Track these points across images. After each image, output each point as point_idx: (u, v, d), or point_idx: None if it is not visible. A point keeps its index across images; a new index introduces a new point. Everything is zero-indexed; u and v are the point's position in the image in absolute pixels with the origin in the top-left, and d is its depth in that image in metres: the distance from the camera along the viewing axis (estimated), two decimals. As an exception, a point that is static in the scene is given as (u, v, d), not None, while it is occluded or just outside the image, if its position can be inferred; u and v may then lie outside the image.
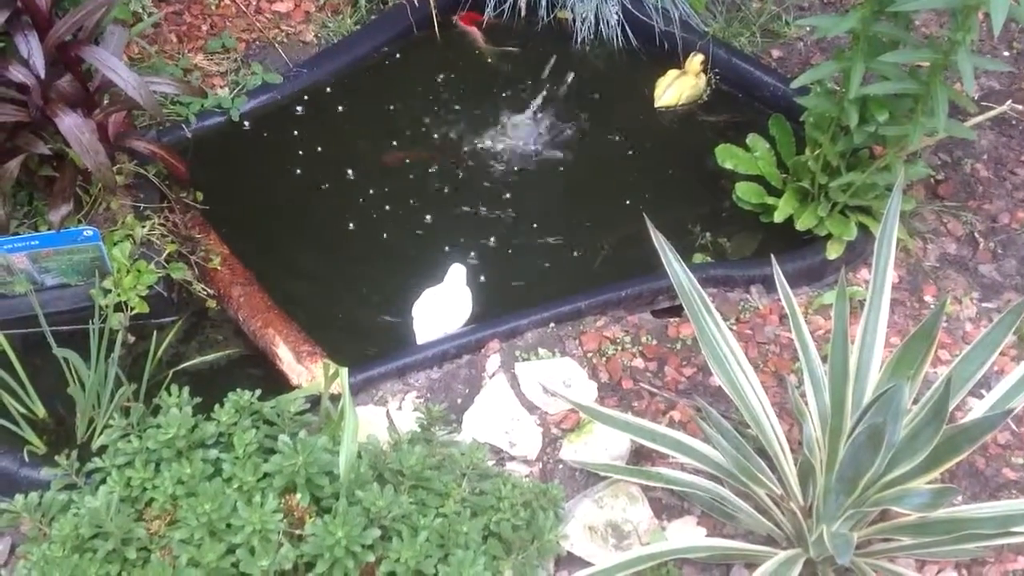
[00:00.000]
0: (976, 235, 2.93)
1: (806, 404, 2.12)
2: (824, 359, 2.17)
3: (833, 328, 2.12)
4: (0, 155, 2.43)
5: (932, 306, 2.73)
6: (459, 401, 2.46)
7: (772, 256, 2.33)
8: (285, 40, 3.42)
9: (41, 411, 2.38)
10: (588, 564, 2.12)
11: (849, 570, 2.06)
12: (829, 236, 2.80)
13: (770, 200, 2.89)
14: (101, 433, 2.26)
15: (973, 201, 3.03)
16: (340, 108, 3.30)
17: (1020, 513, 2.02)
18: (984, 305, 2.74)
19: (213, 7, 3.46)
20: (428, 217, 3.00)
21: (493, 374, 2.51)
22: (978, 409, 2.20)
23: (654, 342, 2.62)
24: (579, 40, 3.51)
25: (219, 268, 2.72)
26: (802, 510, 2.11)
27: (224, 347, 2.63)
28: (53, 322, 2.43)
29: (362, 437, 2.16)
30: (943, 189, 3.05)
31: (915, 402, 2.09)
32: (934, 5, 2.30)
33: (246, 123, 3.18)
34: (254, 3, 3.50)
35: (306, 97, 3.30)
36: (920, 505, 1.90)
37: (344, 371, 2.15)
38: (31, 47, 2.31)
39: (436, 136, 3.24)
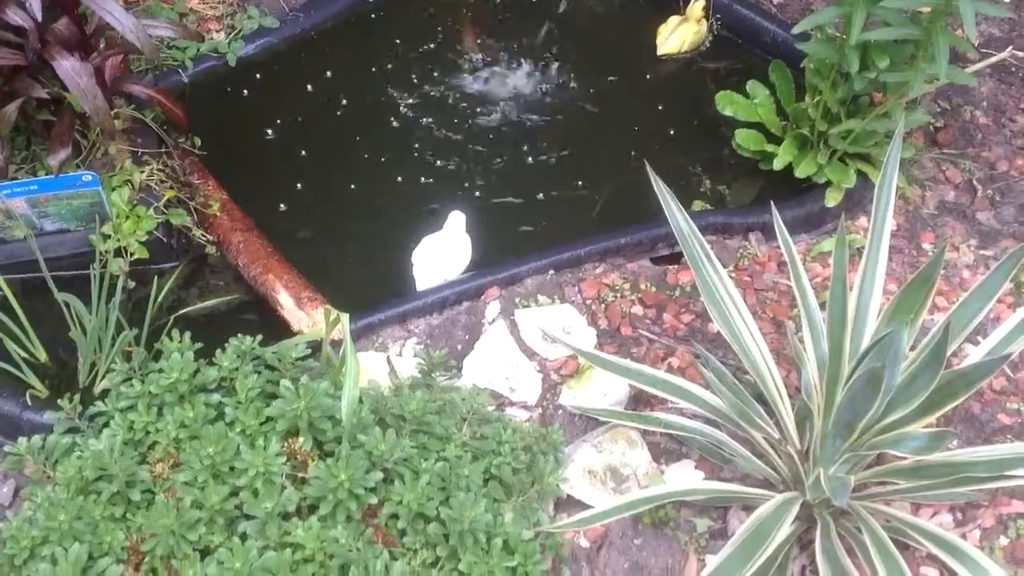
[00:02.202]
0: (975, 182, 2.93)
1: (804, 350, 2.14)
2: (822, 306, 2.18)
3: (832, 275, 2.13)
4: (-2, 99, 2.42)
5: (930, 253, 2.74)
6: (459, 347, 2.48)
7: (772, 203, 2.33)
8: (281, -16, 3.38)
9: (43, 355, 2.39)
10: (587, 507, 2.15)
11: (845, 512, 2.08)
12: (828, 183, 2.80)
13: (769, 147, 2.88)
14: (103, 377, 2.27)
15: (972, 148, 3.02)
16: (337, 53, 3.27)
17: (1014, 457, 2.04)
18: (981, 252, 2.75)
19: (208, -50, 3.42)
20: (427, 162, 3.00)
21: (493, 320, 2.52)
22: (975, 355, 2.21)
23: (653, 289, 2.63)
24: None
25: (218, 214, 2.72)
26: (799, 454, 2.13)
27: (224, 293, 2.64)
28: (53, 267, 2.43)
29: (363, 382, 2.17)
30: (942, 136, 3.04)
31: (912, 348, 2.10)
32: (937, -50, 2.28)
33: (243, 68, 3.15)
34: (250, -54, 3.46)
35: (303, 41, 3.27)
36: (916, 449, 1.92)
37: (345, 317, 2.16)
38: (27, -11, 2.29)
39: (435, 81, 3.22)
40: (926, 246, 2.77)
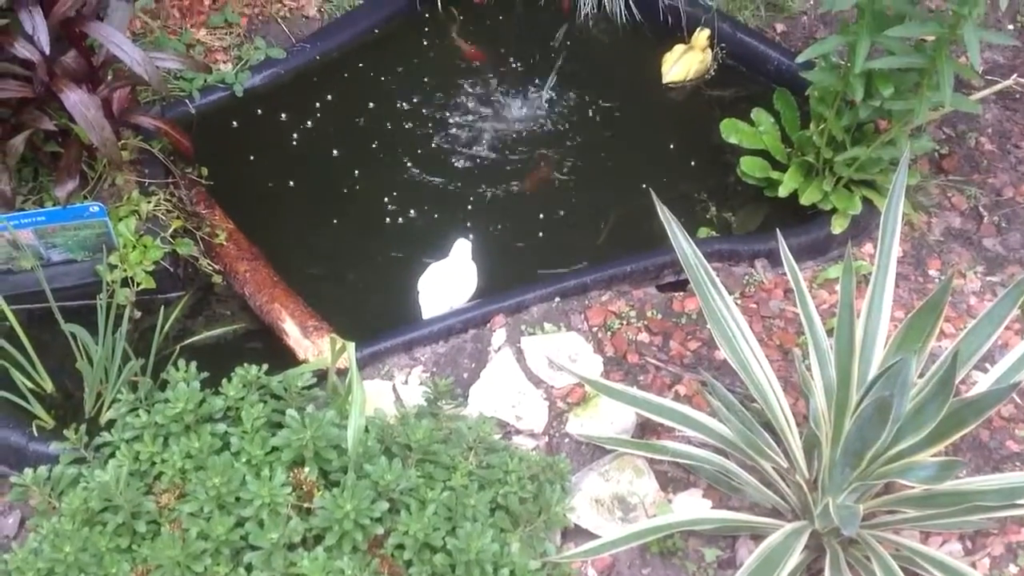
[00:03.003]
0: (980, 209, 2.93)
1: (811, 378, 2.13)
2: (829, 333, 2.18)
3: (839, 302, 2.12)
4: (6, 131, 2.42)
5: (936, 280, 2.74)
6: (465, 375, 2.47)
7: (777, 231, 2.33)
8: (288, 15, 3.40)
9: (49, 386, 2.39)
10: (595, 536, 2.14)
11: (854, 542, 2.07)
12: (834, 210, 2.80)
13: (775, 174, 2.89)
14: (109, 407, 2.27)
15: (977, 175, 3.03)
16: (344, 83, 3.29)
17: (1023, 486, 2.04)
18: (988, 279, 2.75)
19: (215, -19, 3.45)
20: (433, 190, 3.00)
21: (499, 348, 2.52)
22: (983, 383, 2.21)
23: (659, 316, 2.62)
24: (583, 15, 3.50)
25: (224, 243, 2.72)
26: (807, 483, 2.12)
27: (231, 322, 2.64)
28: (60, 297, 2.43)
29: (369, 411, 2.17)
30: (947, 163, 3.04)
31: (921, 375, 2.09)
32: (940, -22, 2.29)
33: (250, 98, 3.16)
34: (256, -23, 3.49)
35: (309, 72, 3.29)
36: (926, 478, 1.91)
37: (351, 346, 2.16)
38: (36, 23, 2.30)
39: (441, 109, 3.24)
40: (933, 273, 2.76)
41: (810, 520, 2.07)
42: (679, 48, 3.37)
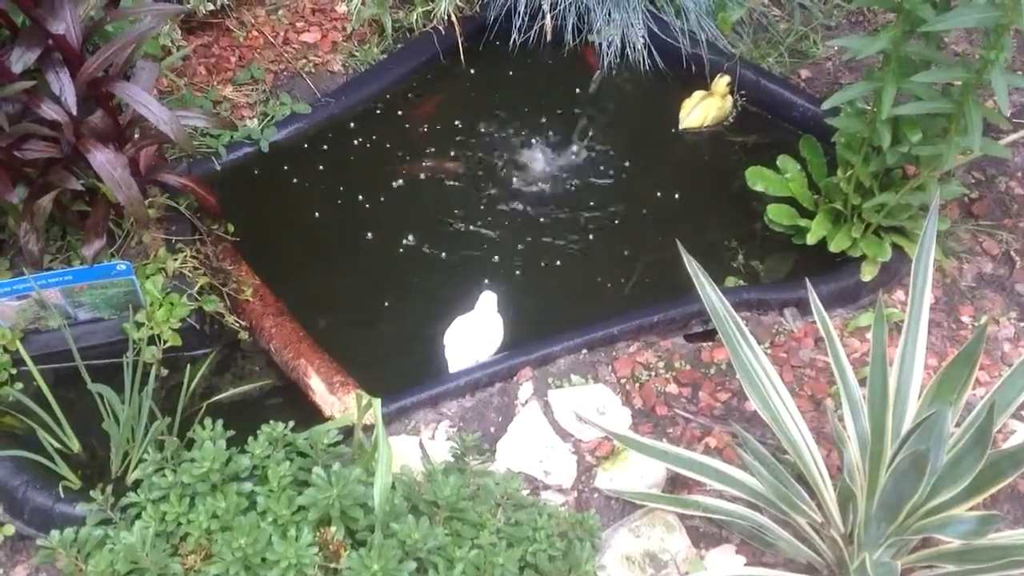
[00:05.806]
0: (1012, 253, 2.89)
1: (845, 429, 2.09)
2: (862, 382, 2.14)
3: (872, 351, 2.09)
4: (33, 191, 2.44)
5: (970, 327, 2.70)
6: (492, 430, 2.45)
7: (806, 279, 2.31)
8: (313, 70, 3.43)
9: (76, 446, 2.39)
10: (626, 595, 2.10)
11: (893, 598, 2.02)
12: (863, 257, 2.77)
13: (802, 222, 2.86)
14: (136, 467, 2.26)
15: (1008, 219, 2.99)
16: (369, 136, 3.30)
17: (1066, 538, 1.98)
18: (1022, 325, 2.70)
19: (241, 39, 3.48)
20: (458, 243, 3.00)
21: (526, 402, 2.49)
22: (1021, 432, 2.17)
23: (688, 367, 2.60)
24: (605, 63, 3.50)
25: (251, 299, 2.72)
26: (843, 538, 2.07)
27: (257, 379, 2.64)
28: (86, 356, 2.43)
29: (396, 468, 2.15)
30: (977, 208, 3.01)
31: (957, 425, 2.05)
32: (966, 24, 2.26)
33: (275, 153, 3.18)
34: (282, 34, 3.52)
35: (335, 126, 3.31)
36: (965, 532, 1.86)
37: (377, 401, 2.14)
38: (63, 84, 2.32)
39: (464, 162, 3.24)
40: (965, 319, 2.72)
41: (846, 576, 2.02)
42: (698, 94, 3.36)
